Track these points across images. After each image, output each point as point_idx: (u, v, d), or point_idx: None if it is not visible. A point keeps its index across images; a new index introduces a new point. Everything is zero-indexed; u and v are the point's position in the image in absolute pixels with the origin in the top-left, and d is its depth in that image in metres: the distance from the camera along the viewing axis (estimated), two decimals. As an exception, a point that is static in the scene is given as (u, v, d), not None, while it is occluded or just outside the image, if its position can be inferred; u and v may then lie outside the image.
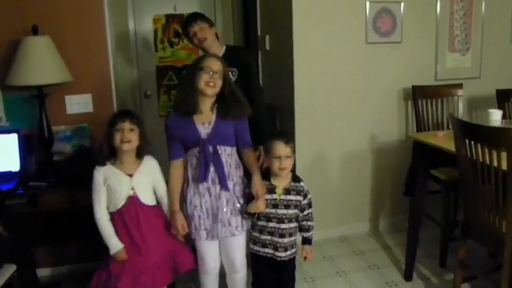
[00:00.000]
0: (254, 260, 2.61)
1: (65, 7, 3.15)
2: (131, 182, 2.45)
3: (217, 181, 2.48)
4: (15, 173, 3.00)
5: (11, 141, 3.03)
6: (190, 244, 2.94)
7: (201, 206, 2.50)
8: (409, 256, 3.26)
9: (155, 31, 5.15)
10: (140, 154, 2.49)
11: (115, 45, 3.72)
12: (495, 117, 3.01)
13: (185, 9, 5.13)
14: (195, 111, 2.47)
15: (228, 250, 2.59)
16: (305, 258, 2.57)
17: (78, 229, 3.13)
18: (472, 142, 2.45)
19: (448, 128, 3.64)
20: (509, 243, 2.38)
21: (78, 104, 3.26)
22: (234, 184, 2.53)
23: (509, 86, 3.80)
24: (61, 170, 3.00)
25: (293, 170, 2.55)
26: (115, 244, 2.42)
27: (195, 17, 3.10)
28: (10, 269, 2.56)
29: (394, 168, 3.95)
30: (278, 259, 2.51)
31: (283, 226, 2.47)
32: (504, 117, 3.15)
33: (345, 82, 3.73)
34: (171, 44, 5.21)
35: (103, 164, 2.44)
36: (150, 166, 2.53)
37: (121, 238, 2.44)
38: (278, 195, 2.47)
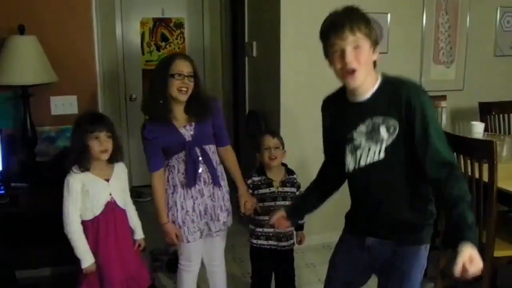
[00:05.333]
0: (256, 255, 2.70)
1: (53, 7, 3.13)
2: (109, 187, 2.36)
3: (209, 181, 2.44)
4: (-4, 173, 2.97)
5: (-6, 140, 2.99)
6: (172, 249, 2.95)
7: (193, 210, 2.43)
8: (390, 265, 3.28)
9: (142, 34, 5.14)
10: (112, 159, 2.37)
11: (102, 47, 3.70)
12: (478, 129, 3.06)
13: (173, 14, 5.16)
14: (169, 118, 2.36)
15: (210, 245, 2.59)
16: (299, 242, 2.72)
17: (60, 231, 3.10)
18: (455, 154, 2.48)
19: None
20: (489, 253, 2.42)
21: (63, 105, 3.24)
22: (222, 180, 2.52)
23: (491, 99, 3.86)
24: (44, 171, 2.97)
25: (285, 165, 2.69)
26: (90, 258, 2.31)
27: (353, 21, 1.76)
28: (-11, 270, 2.53)
29: (377, 177, 3.97)
30: (282, 248, 2.63)
31: None
32: (486, 129, 3.20)
33: (331, 90, 3.74)
34: (158, 48, 5.21)
35: (79, 170, 2.27)
36: (121, 170, 2.44)
37: (94, 246, 2.32)
38: (276, 187, 2.61)
